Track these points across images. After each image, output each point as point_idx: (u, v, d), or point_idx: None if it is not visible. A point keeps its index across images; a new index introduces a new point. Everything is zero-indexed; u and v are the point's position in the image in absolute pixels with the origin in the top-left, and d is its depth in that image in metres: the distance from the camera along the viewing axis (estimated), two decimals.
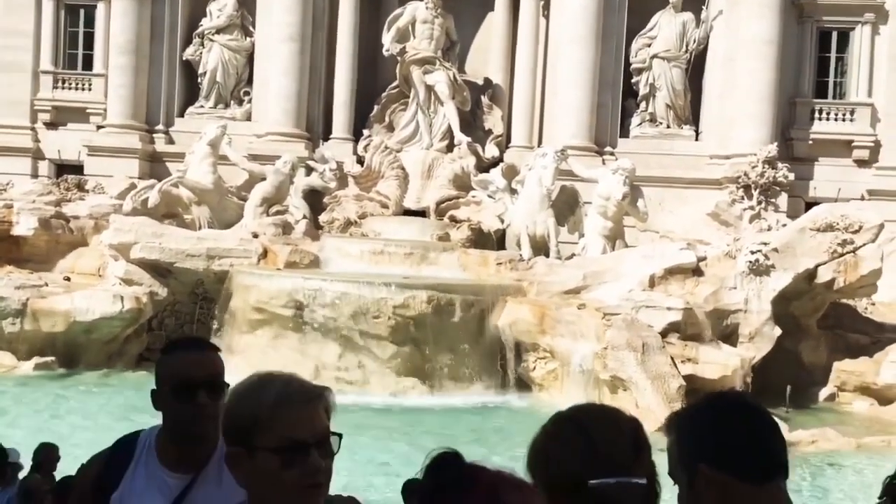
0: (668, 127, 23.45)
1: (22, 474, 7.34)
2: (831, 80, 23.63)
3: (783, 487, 2.05)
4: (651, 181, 21.16)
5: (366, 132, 23.72)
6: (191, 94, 25.00)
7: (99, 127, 24.47)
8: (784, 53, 22.51)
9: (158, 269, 17.48)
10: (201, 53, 24.59)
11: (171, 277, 17.57)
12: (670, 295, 15.82)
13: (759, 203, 21.05)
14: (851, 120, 23.26)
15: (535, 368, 15.97)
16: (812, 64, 23.45)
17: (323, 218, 21.23)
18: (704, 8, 23.37)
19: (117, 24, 24.01)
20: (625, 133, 23.51)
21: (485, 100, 24.13)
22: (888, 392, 16.39)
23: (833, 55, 23.56)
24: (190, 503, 2.98)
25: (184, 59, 24.72)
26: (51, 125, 25.22)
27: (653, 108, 23.53)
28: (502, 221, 20.33)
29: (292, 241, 18.73)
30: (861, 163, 23.10)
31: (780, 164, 21.49)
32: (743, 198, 21.17)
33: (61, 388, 15.42)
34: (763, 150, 21.46)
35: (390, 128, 23.76)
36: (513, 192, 20.46)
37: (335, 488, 2.35)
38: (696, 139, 23.45)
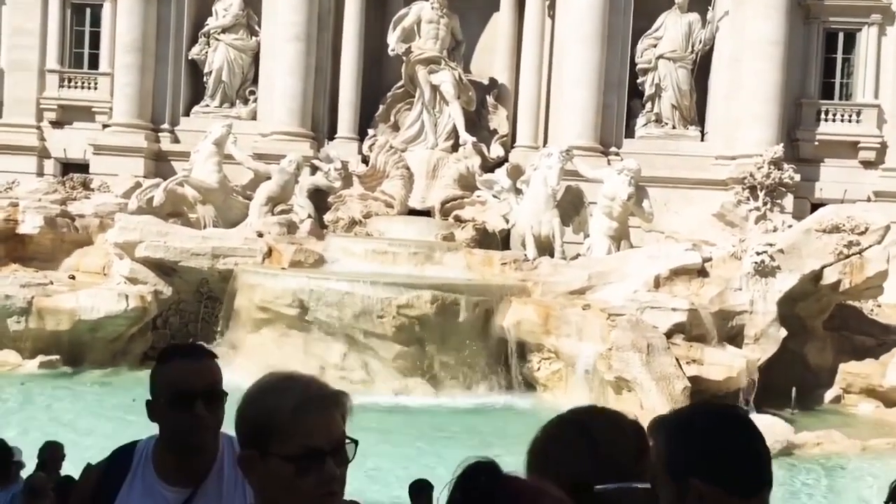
0: (674, 127, 23.41)
1: (24, 472, 7.35)
2: (837, 81, 23.57)
3: (767, 499, 2.04)
4: (656, 182, 21.12)
5: (371, 132, 23.72)
6: (196, 93, 25.03)
7: (105, 126, 24.50)
8: (790, 54, 22.46)
9: (163, 268, 17.50)
10: (207, 53, 24.63)
11: (175, 276, 17.59)
12: (675, 296, 15.79)
13: (765, 204, 21.00)
14: (858, 121, 23.19)
15: (539, 369, 15.94)
16: (818, 65, 23.39)
17: (328, 217, 21.24)
18: (710, 8, 23.32)
19: (123, 24, 24.04)
20: (630, 133, 23.47)
21: (490, 100, 24.11)
22: (894, 394, 16.34)
23: (839, 56, 23.49)
24: None
25: (189, 58, 24.75)
26: (56, 124, 25.27)
27: (658, 108, 23.49)
28: (507, 221, 20.31)
29: (297, 241, 18.73)
30: (867, 164, 23.04)
31: (785, 165, 21.43)
32: (749, 199, 21.12)
33: (66, 387, 15.44)
34: (769, 150, 21.40)
35: (395, 127, 23.76)
36: (518, 192, 20.43)
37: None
38: (702, 140, 23.41)
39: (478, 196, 21.62)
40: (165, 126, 24.46)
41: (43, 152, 25.11)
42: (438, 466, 11.35)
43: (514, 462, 2.02)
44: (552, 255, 18.69)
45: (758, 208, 20.78)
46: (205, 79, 24.79)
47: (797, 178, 21.48)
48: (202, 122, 23.56)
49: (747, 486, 1.97)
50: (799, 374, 16.48)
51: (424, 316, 15.45)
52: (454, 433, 13.32)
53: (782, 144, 21.80)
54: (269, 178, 21.11)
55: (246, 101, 24.76)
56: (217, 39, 24.52)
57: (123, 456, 3.08)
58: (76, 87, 25.27)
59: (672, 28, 23.29)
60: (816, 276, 16.31)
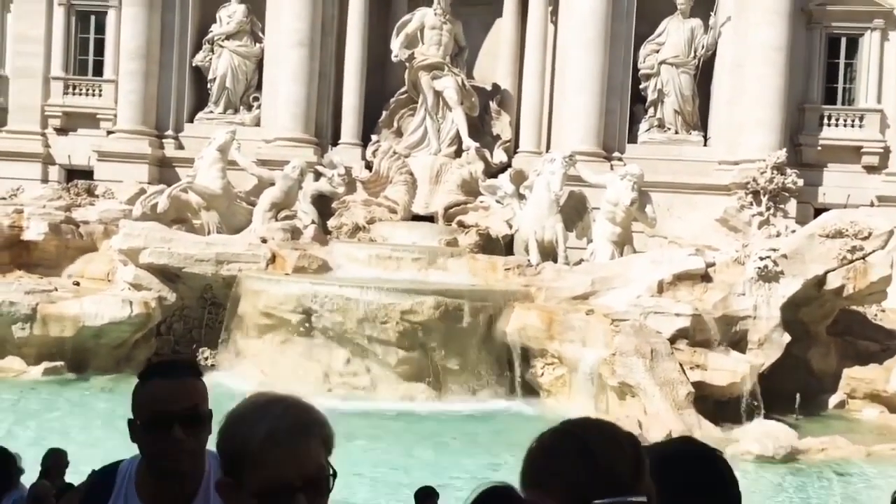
0: (677, 133, 23.43)
1: (24, 478, 7.36)
2: (840, 86, 23.57)
3: None
4: (659, 187, 21.12)
5: (374, 137, 23.76)
6: (200, 99, 25.10)
7: (109, 132, 24.58)
8: (793, 59, 22.47)
9: (167, 274, 17.53)
10: (211, 59, 24.70)
11: (179, 282, 17.62)
12: (679, 301, 15.77)
13: (768, 209, 20.99)
14: (861, 126, 23.20)
15: (543, 374, 15.93)
16: (821, 70, 23.40)
17: (331, 223, 21.26)
18: (713, 14, 23.35)
19: (128, 31, 24.13)
20: (633, 139, 23.49)
21: (493, 105, 24.14)
22: None
23: (842, 61, 23.51)
24: None
25: (193, 64, 24.83)
26: (61, 131, 25.35)
27: (661, 113, 23.51)
28: (510, 227, 20.31)
29: (301, 246, 18.76)
30: (870, 169, 23.03)
31: (788, 170, 21.43)
32: (752, 203, 21.12)
33: (70, 393, 15.46)
34: (772, 155, 21.41)
35: (399, 133, 23.79)
36: (521, 197, 20.44)
37: (342, 496, 2.32)
38: (705, 145, 23.41)
39: (481, 201, 21.64)
40: (169, 132, 24.53)
41: (47, 159, 25.19)
42: (443, 473, 11.35)
43: (508, 469, 2.02)
44: (555, 261, 18.70)
45: (761, 213, 20.78)
46: (209, 85, 24.87)
47: (800, 182, 21.48)
48: (206, 128, 23.62)
49: None
50: (803, 379, 16.45)
51: (428, 321, 15.46)
52: (458, 439, 13.32)
53: (785, 149, 21.81)
54: (272, 184, 21.13)
55: (250, 108, 24.82)
56: (221, 46, 24.59)
57: (105, 478, 2.95)
58: (80, 94, 25.35)
59: (674, 33, 23.32)
60: (820, 281, 16.29)
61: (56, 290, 17.54)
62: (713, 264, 16.73)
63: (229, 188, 21.27)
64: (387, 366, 15.68)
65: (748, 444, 12.72)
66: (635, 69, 23.47)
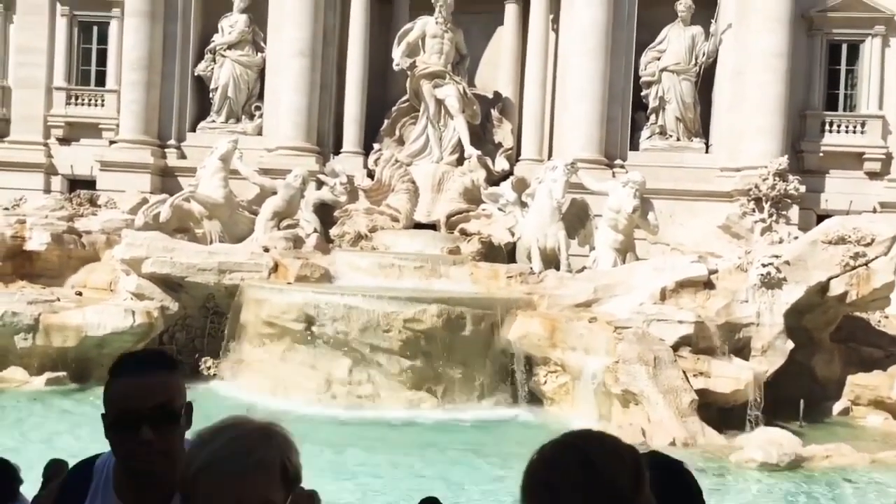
0: (678, 140, 23.44)
1: (25, 489, 7.34)
2: (842, 92, 23.60)
3: None
4: (661, 194, 21.13)
5: (376, 146, 23.79)
6: (202, 109, 25.16)
7: (111, 142, 24.64)
8: (794, 66, 22.49)
9: (170, 284, 17.53)
10: (213, 69, 24.78)
11: (182, 292, 17.62)
12: (682, 308, 15.74)
13: (771, 215, 20.97)
14: (862, 132, 23.20)
15: (546, 382, 15.90)
16: (822, 76, 23.43)
17: (333, 231, 21.28)
18: (714, 21, 23.39)
19: (130, 41, 24.22)
20: (635, 146, 23.51)
21: (495, 113, 24.18)
22: None
23: (843, 68, 23.54)
24: None
25: (195, 74, 24.90)
26: (64, 141, 25.42)
27: (663, 120, 23.54)
28: (513, 234, 20.31)
29: (303, 255, 18.77)
30: (872, 175, 23.03)
31: (791, 177, 21.43)
32: (754, 210, 21.11)
33: (72, 403, 15.44)
34: (774, 162, 21.41)
35: (400, 141, 23.82)
36: (523, 205, 20.45)
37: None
38: (707, 152, 23.42)
39: (483, 209, 21.64)
40: (172, 142, 24.58)
41: (50, 169, 25.26)
42: (447, 482, 11.33)
43: (514, 478, 2.01)
44: (558, 268, 18.69)
45: (763, 220, 20.76)
46: (211, 95, 24.93)
47: (802, 189, 21.46)
48: (208, 137, 23.67)
49: None
50: (807, 386, 16.40)
51: (430, 330, 15.44)
52: (461, 448, 13.29)
53: (787, 156, 21.81)
54: (274, 193, 21.17)
55: (252, 117, 24.88)
56: (223, 56, 24.67)
57: (82, 473, 2.83)
58: (83, 105, 25.44)
59: (675, 41, 23.36)
60: (823, 287, 16.26)
61: (58, 300, 17.54)
62: (716, 271, 16.70)
63: (231, 197, 21.30)
64: (390, 374, 15.65)
65: (752, 451, 12.68)
66: (636, 77, 23.51)
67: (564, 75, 23.36)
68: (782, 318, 15.77)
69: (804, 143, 23.15)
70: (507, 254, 20.24)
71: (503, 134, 24.06)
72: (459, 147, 23.03)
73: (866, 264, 16.23)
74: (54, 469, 7.81)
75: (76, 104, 25.46)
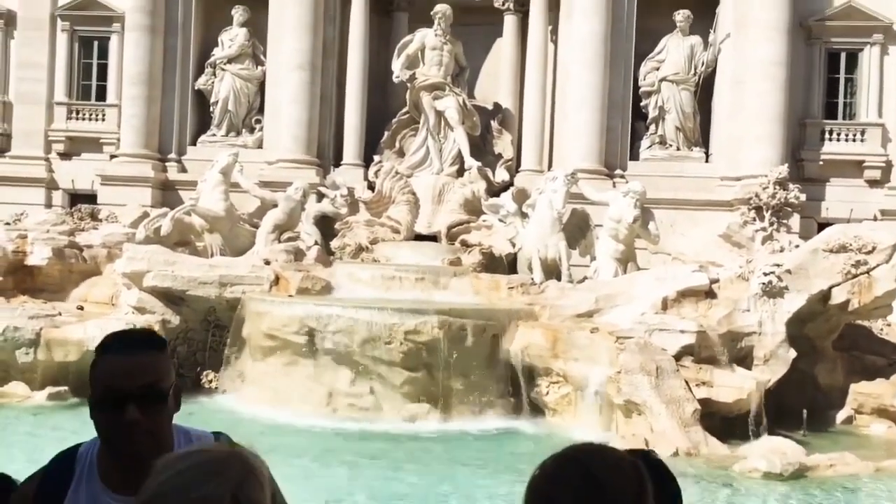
0: (678, 149, 23.48)
1: None
2: (841, 100, 23.64)
3: None
4: (662, 203, 21.15)
5: (376, 158, 23.83)
6: (203, 122, 25.23)
7: (112, 156, 24.71)
8: (793, 75, 22.55)
9: (171, 297, 17.53)
10: (213, 83, 24.86)
11: (183, 305, 17.61)
12: (683, 317, 15.72)
13: (771, 224, 20.98)
14: (862, 140, 23.23)
15: (548, 393, 15.86)
16: (821, 85, 23.48)
17: (334, 244, 21.29)
18: (712, 31, 23.47)
19: (130, 56, 24.31)
20: (635, 156, 23.54)
21: (494, 124, 24.23)
22: None
23: (842, 76, 23.59)
24: None
25: (196, 88, 24.98)
26: (65, 155, 25.49)
27: (662, 130, 23.58)
28: (514, 245, 20.32)
29: (304, 268, 18.76)
30: (873, 183, 23.05)
31: (791, 185, 21.44)
32: (755, 219, 21.11)
33: (74, 418, 15.40)
34: (774, 171, 21.43)
35: (401, 153, 23.87)
36: (524, 215, 20.47)
37: None
38: (707, 161, 23.45)
39: (484, 220, 21.66)
40: (172, 156, 24.63)
41: (51, 184, 25.32)
42: (448, 494, 11.29)
43: (524, 488, 2.00)
44: (559, 279, 18.68)
45: (764, 229, 20.76)
46: (211, 108, 25.01)
47: (803, 197, 21.48)
48: (209, 151, 23.73)
49: None
50: (810, 395, 16.35)
51: (432, 341, 15.41)
52: (464, 459, 13.24)
53: (787, 164, 21.84)
54: (275, 205, 21.19)
55: (252, 130, 24.94)
56: (223, 69, 24.75)
57: (64, 463, 2.76)
58: (84, 119, 25.52)
59: (674, 51, 23.43)
60: (825, 296, 16.24)
61: (60, 314, 17.54)
62: (717, 280, 16.69)
63: (232, 210, 21.32)
64: (391, 386, 15.62)
65: (755, 461, 12.63)
66: (636, 86, 23.57)
67: (564, 86, 23.43)
68: (784, 326, 15.74)
69: (804, 151, 23.18)
70: (507, 265, 20.24)
71: (503, 145, 24.11)
72: (459, 158, 23.07)
73: (868, 272, 16.21)
74: None
75: (77, 119, 25.53)
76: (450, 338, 15.51)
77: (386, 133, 24.12)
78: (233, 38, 24.87)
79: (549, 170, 22.52)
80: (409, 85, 23.48)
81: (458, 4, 23.78)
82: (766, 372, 15.49)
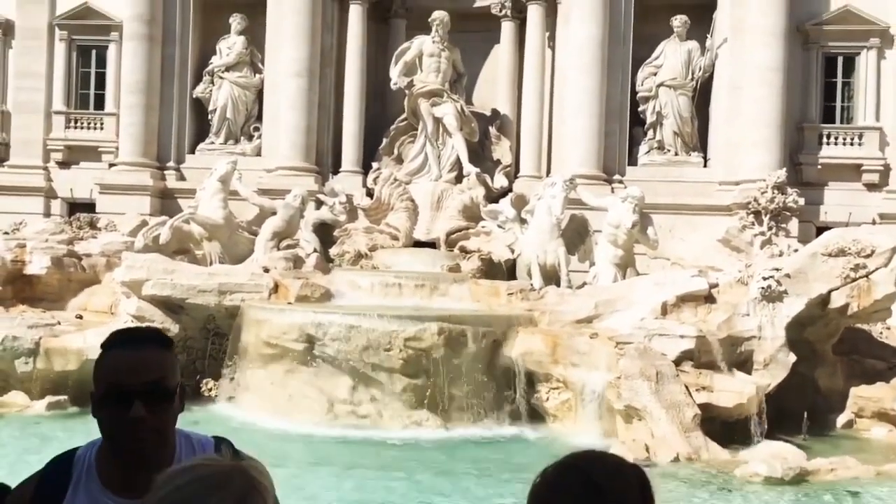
0: (677, 154, 23.51)
1: None
2: (838, 104, 23.69)
3: None
4: (660, 208, 21.17)
5: (375, 165, 23.86)
6: (201, 130, 25.25)
7: (111, 165, 24.71)
8: (790, 79, 22.60)
9: (170, 306, 17.52)
10: (211, 91, 24.89)
11: (182, 313, 17.59)
12: (683, 322, 15.71)
13: (770, 228, 21.00)
14: (860, 144, 23.27)
15: (548, 399, 15.84)
16: (819, 89, 23.53)
17: (333, 251, 21.29)
18: (709, 36, 23.52)
19: (128, 64, 24.34)
20: (633, 161, 23.57)
21: (493, 130, 24.26)
22: None
23: (839, 80, 23.64)
24: None
25: (194, 96, 25.01)
26: (63, 164, 25.50)
27: (660, 135, 23.61)
28: (513, 251, 20.32)
29: (303, 275, 18.75)
30: (871, 186, 23.07)
31: (789, 190, 21.47)
32: (753, 223, 21.13)
33: (73, 428, 15.38)
34: (772, 175, 21.46)
35: (399, 160, 23.89)
36: (522, 221, 20.48)
37: None
38: (705, 166, 23.48)
39: (482, 227, 21.67)
40: (171, 164, 24.64)
41: (50, 193, 25.31)
42: (450, 501, 11.27)
43: (525, 495, 1.99)
44: (558, 284, 18.68)
45: (763, 233, 20.78)
46: (209, 116, 25.03)
47: (801, 202, 21.50)
48: (207, 159, 23.74)
49: None
50: (810, 399, 16.34)
51: (432, 348, 15.40)
52: (465, 466, 13.22)
53: (785, 169, 21.87)
54: (274, 213, 21.20)
55: (250, 138, 24.96)
56: (221, 77, 24.79)
57: (61, 466, 2.70)
58: (82, 128, 25.54)
59: (672, 56, 23.48)
60: (824, 300, 16.24)
61: (59, 323, 17.52)
62: (716, 285, 16.69)
63: (231, 218, 21.32)
64: (391, 393, 15.60)
65: (756, 465, 12.61)
66: (633, 92, 23.61)
67: (562, 92, 23.47)
68: (784, 331, 15.73)
69: (802, 155, 23.21)
70: (507, 271, 20.24)
71: (501, 151, 24.13)
72: (458, 165, 23.10)
73: (867, 276, 16.21)
74: None
75: (75, 128, 25.55)
76: (450, 344, 15.50)
77: (384, 140, 24.14)
78: (231, 46, 24.91)
79: (547, 175, 22.55)
80: (407, 92, 23.52)
81: (455, 11, 23.84)
82: (766, 376, 15.48)
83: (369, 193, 23.08)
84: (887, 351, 17.94)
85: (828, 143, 23.30)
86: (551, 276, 18.98)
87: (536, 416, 15.93)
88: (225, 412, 16.13)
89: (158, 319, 17.40)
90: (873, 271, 16.24)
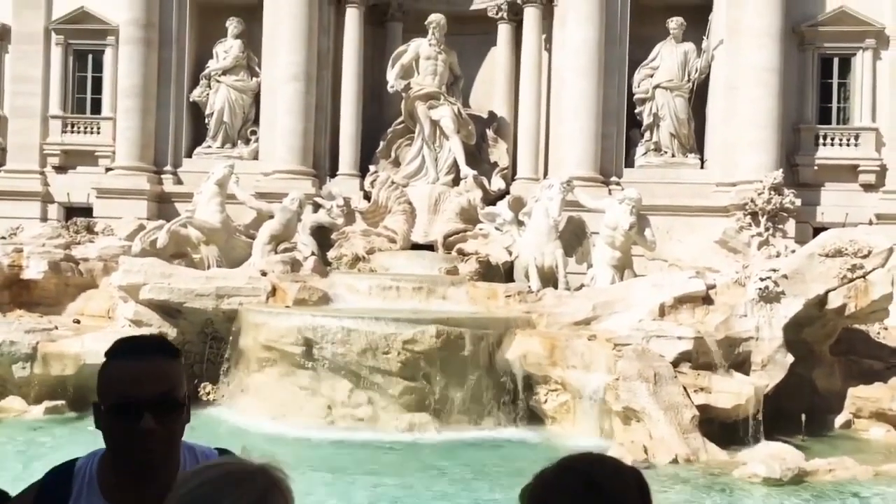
0: (673, 156, 23.54)
1: None
2: (834, 105, 23.74)
3: None
4: (658, 210, 21.19)
5: (372, 168, 23.87)
6: (198, 134, 25.24)
7: (108, 169, 24.69)
8: (786, 80, 22.64)
9: (168, 310, 17.50)
10: (208, 94, 24.89)
11: (180, 318, 17.58)
12: (681, 324, 15.73)
13: (767, 229, 21.03)
14: (856, 145, 23.31)
15: (546, 401, 15.84)
16: (815, 90, 23.58)
17: (331, 254, 21.29)
18: (705, 38, 23.56)
19: (124, 68, 24.33)
20: (630, 163, 23.59)
21: (490, 133, 24.28)
22: None
23: (835, 81, 23.69)
24: None
25: (191, 100, 25.00)
26: (60, 169, 25.47)
27: (657, 137, 23.64)
28: (510, 254, 20.33)
29: (301, 278, 18.75)
30: (868, 187, 23.11)
31: (786, 191, 21.51)
32: (750, 224, 21.16)
33: (71, 432, 15.35)
34: (769, 176, 21.50)
35: (396, 163, 23.91)
36: (520, 224, 20.49)
37: None
38: (702, 167, 23.52)
39: (480, 229, 21.68)
40: (168, 168, 24.63)
41: (47, 197, 25.28)
42: (449, 503, 11.26)
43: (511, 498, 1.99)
44: (556, 287, 18.68)
45: (760, 234, 20.81)
46: (206, 120, 25.02)
47: (798, 202, 21.54)
48: (204, 163, 23.73)
49: None
50: (808, 399, 16.36)
51: (430, 351, 15.39)
52: (462, 469, 13.21)
53: (782, 170, 21.91)
54: (271, 216, 21.20)
55: (247, 141, 24.96)
56: (218, 81, 24.79)
57: (60, 478, 2.63)
58: (79, 132, 25.51)
59: (668, 58, 23.52)
60: (821, 300, 16.26)
61: (56, 328, 17.49)
62: (714, 286, 16.71)
63: (228, 222, 21.31)
64: (389, 396, 15.59)
65: (755, 466, 12.61)
66: (630, 94, 23.65)
67: (558, 94, 23.49)
68: (781, 331, 15.75)
69: (798, 156, 23.25)
70: (504, 273, 20.25)
71: (499, 153, 24.15)
72: (455, 167, 23.11)
73: (864, 276, 16.24)
74: None
75: (72, 132, 25.52)
76: (447, 347, 15.50)
77: (381, 143, 24.16)
78: (227, 49, 24.91)
79: (544, 178, 22.57)
80: (403, 95, 23.54)
81: (452, 14, 23.87)
82: (763, 377, 15.49)
83: (366, 196, 23.08)
84: (885, 351, 17.97)
85: (824, 144, 23.34)
86: (549, 279, 18.98)
87: (535, 418, 15.93)
88: (223, 416, 16.11)
89: (156, 323, 17.39)
90: (870, 272, 16.27)
